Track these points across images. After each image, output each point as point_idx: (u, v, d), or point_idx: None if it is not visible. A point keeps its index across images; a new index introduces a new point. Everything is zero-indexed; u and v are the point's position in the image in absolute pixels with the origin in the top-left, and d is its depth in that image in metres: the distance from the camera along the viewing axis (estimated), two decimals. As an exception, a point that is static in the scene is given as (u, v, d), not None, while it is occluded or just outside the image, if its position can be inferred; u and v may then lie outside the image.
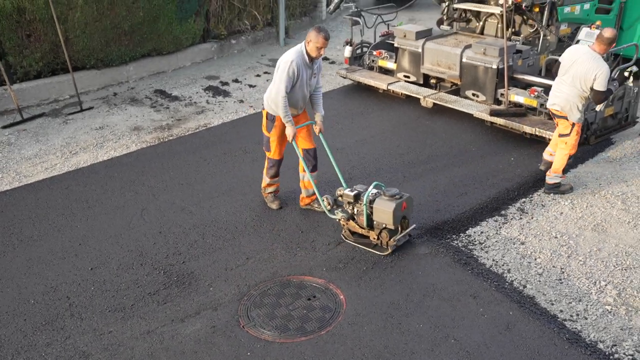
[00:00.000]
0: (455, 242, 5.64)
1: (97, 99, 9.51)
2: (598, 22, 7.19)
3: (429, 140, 7.80)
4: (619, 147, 7.48)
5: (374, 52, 9.66)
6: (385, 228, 5.25)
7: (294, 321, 4.56)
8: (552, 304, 4.78)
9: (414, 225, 5.53)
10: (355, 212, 5.41)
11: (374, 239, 5.37)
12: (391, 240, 5.28)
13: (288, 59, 5.46)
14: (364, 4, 16.68)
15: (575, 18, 8.82)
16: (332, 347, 4.31)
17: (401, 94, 9.18)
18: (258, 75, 10.88)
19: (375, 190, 5.34)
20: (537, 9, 8.41)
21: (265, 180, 6.17)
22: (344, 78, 9.89)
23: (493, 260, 5.36)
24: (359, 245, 5.44)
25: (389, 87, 9.16)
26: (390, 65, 9.46)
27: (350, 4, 10.58)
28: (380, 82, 9.27)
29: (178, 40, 10.95)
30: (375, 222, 5.30)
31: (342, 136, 7.96)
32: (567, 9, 8.58)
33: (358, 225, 5.43)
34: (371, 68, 9.80)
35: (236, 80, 10.54)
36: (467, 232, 5.80)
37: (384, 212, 5.17)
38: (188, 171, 7.02)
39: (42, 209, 6.24)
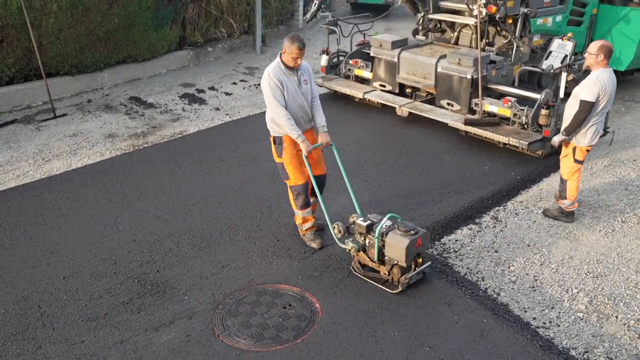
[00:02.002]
0: (430, 250, 5.67)
1: (70, 105, 9.40)
2: (569, 34, 7.33)
3: (405, 149, 7.85)
4: (591, 156, 7.61)
5: (350, 61, 9.72)
6: (397, 264, 4.88)
7: (270, 330, 4.54)
8: (526, 312, 4.84)
9: (429, 262, 5.14)
10: (367, 244, 5.10)
11: (385, 274, 5.01)
12: (402, 277, 4.88)
13: (265, 74, 5.19)
14: (341, 13, 16.81)
15: (548, 30, 8.98)
16: (308, 355, 4.30)
17: (377, 102, 9.25)
18: (234, 83, 10.86)
19: (389, 222, 5.01)
20: (510, 21, 8.55)
21: (298, 215, 5.62)
22: (320, 87, 9.91)
23: (467, 268, 5.41)
24: (368, 280, 5.11)
25: (365, 96, 9.21)
26: (366, 74, 9.53)
27: (327, 13, 10.62)
28: (356, 91, 9.32)
29: (154, 48, 10.90)
30: (386, 257, 4.94)
31: (318, 144, 7.97)
32: (539, 21, 8.74)
33: (369, 258, 5.10)
34: (347, 77, 9.85)
35: (212, 88, 10.51)
36: (441, 240, 5.85)
37: (397, 248, 4.80)
38: (163, 179, 6.97)
39: (13, 216, 6.13)
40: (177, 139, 8.21)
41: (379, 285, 5.03)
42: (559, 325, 4.69)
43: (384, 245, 4.94)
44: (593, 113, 5.74)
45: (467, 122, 7.83)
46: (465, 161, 7.50)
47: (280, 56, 5.21)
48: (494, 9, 8.04)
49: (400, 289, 4.93)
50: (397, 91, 9.17)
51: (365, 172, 7.16)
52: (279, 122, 5.21)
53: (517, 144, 7.32)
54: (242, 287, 5.05)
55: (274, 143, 5.43)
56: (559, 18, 9.06)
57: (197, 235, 5.83)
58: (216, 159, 7.49)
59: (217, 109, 9.50)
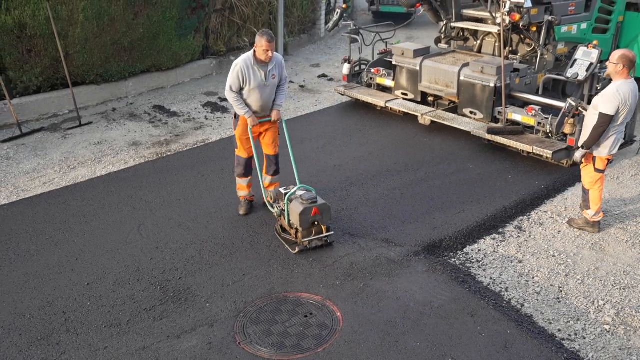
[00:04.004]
0: (453, 259, 5.63)
1: (96, 114, 9.54)
2: (595, 42, 7.24)
3: (427, 158, 7.81)
4: (617, 165, 7.51)
5: (372, 70, 9.72)
6: (298, 228, 5.59)
7: (291, 338, 4.54)
8: (550, 323, 4.77)
9: (332, 232, 5.73)
10: (284, 209, 5.77)
11: (293, 237, 5.73)
12: (302, 240, 5.58)
13: (234, 63, 5.81)
14: (363, 22, 16.84)
15: (572, 37, 8.89)
16: (329, 364, 4.28)
17: (399, 111, 9.22)
18: (257, 92, 10.91)
19: (301, 192, 5.66)
20: (534, 28, 8.48)
21: (236, 181, 6.41)
22: (342, 95, 9.94)
23: (491, 278, 5.35)
24: (281, 240, 5.80)
25: (386, 105, 9.20)
26: (388, 82, 9.52)
27: (348, 22, 10.65)
28: (378, 100, 9.31)
29: (177, 57, 11.01)
30: (291, 221, 5.67)
31: (340, 153, 7.98)
32: (564, 29, 8.66)
33: (286, 222, 5.79)
34: (369, 85, 9.85)
35: (235, 97, 10.56)
36: (464, 249, 5.80)
37: (294, 213, 5.54)
38: (186, 187, 7.02)
39: (39, 223, 6.22)
40: (199, 147, 8.27)
41: (287, 246, 5.70)
42: (584, 338, 4.61)
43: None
44: (613, 124, 5.68)
45: (491, 131, 7.76)
46: (488, 170, 7.44)
47: (254, 51, 5.78)
48: (517, 17, 7.98)
49: (297, 250, 5.62)
50: (419, 100, 9.14)
51: (387, 181, 7.13)
52: (230, 102, 5.96)
53: (541, 153, 7.24)
54: (263, 295, 5.05)
55: (234, 118, 6.17)
56: (584, 26, 8.96)
57: (219, 243, 5.85)
58: (238, 167, 7.52)
59: (240, 117, 9.55)
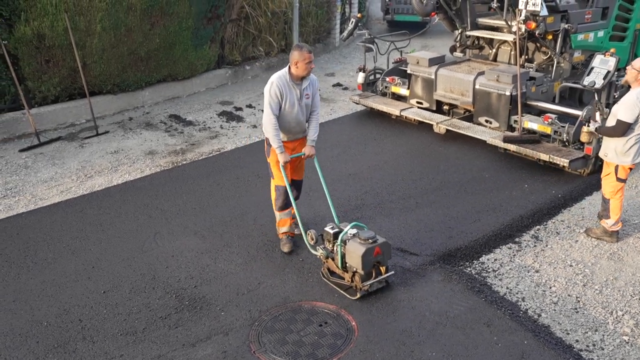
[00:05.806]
0: (469, 269, 5.59)
1: (112, 123, 9.63)
2: (612, 50, 7.18)
3: (442, 167, 7.78)
4: (636, 174, 7.42)
5: (387, 79, 9.73)
6: (357, 271, 5.02)
7: (305, 347, 4.52)
8: (568, 334, 4.71)
9: (392, 272, 5.22)
10: (334, 251, 5.21)
11: (348, 281, 5.15)
12: (362, 284, 5.01)
13: (269, 81, 5.46)
14: (377, 30, 16.87)
15: (589, 45, 8.83)
16: (344, 374, 4.26)
17: (414, 120, 9.21)
18: (272, 101, 10.95)
19: (354, 231, 5.12)
20: (550, 37, 8.44)
21: (277, 216, 5.88)
22: (357, 104, 9.95)
23: (507, 288, 5.30)
24: (333, 286, 5.24)
25: (401, 113, 9.19)
26: (403, 91, 9.51)
27: (363, 31, 10.69)
28: (393, 108, 9.31)
29: (193, 66, 11.10)
30: (347, 264, 5.09)
31: (355, 161, 7.98)
32: (580, 37, 8.61)
33: (335, 264, 5.25)
34: (384, 94, 9.86)
35: (250, 106, 10.63)
36: (480, 259, 5.76)
37: (355, 255, 4.96)
38: (201, 195, 7.05)
39: (56, 231, 6.28)
40: (215, 156, 8.31)
41: (342, 291, 5.16)
42: (603, 349, 4.54)
43: (345, 253, 5.10)
44: (635, 132, 5.63)
45: (506, 140, 7.72)
46: (504, 179, 7.39)
47: (289, 68, 5.48)
48: (533, 25, 7.95)
49: (358, 295, 5.06)
50: (434, 108, 9.13)
51: (402, 190, 7.11)
52: (266, 128, 5.52)
53: (558, 162, 7.19)
54: (278, 304, 5.05)
55: (266, 144, 5.72)
56: (600, 33, 8.90)
57: (234, 251, 5.87)
58: (253, 176, 7.55)
59: (254, 126, 9.59)
